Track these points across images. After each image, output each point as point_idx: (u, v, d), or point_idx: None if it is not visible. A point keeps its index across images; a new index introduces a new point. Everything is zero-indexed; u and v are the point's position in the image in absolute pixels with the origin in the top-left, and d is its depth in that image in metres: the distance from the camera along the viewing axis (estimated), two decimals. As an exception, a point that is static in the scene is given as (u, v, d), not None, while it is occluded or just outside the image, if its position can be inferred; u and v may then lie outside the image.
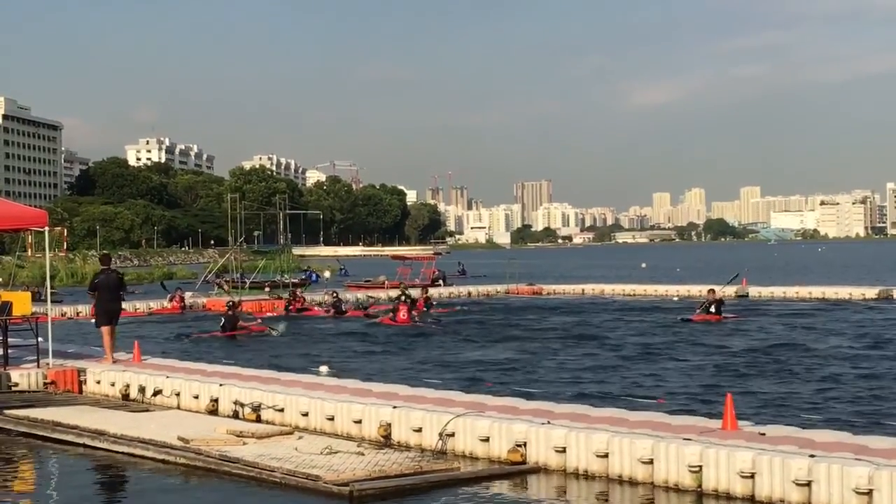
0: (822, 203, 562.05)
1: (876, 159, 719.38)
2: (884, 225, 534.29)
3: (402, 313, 35.66)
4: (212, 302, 46.62)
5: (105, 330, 21.41)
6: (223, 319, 33.48)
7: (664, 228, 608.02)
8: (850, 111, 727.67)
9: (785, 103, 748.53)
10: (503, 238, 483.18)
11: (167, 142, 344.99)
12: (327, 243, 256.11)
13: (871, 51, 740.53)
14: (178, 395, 18.22)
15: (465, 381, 20.69)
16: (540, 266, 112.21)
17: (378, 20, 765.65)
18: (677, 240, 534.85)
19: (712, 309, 34.64)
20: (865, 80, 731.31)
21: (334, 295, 44.02)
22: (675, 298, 47.81)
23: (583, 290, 54.32)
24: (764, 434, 12.44)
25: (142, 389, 18.90)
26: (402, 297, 38.68)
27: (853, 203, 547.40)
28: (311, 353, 27.39)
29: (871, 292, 45.24)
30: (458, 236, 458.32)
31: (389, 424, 14.61)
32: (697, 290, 50.40)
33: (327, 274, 76.88)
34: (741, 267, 66.67)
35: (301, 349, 28.78)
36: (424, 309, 39.15)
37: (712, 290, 36.81)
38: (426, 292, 43.08)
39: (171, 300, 45.51)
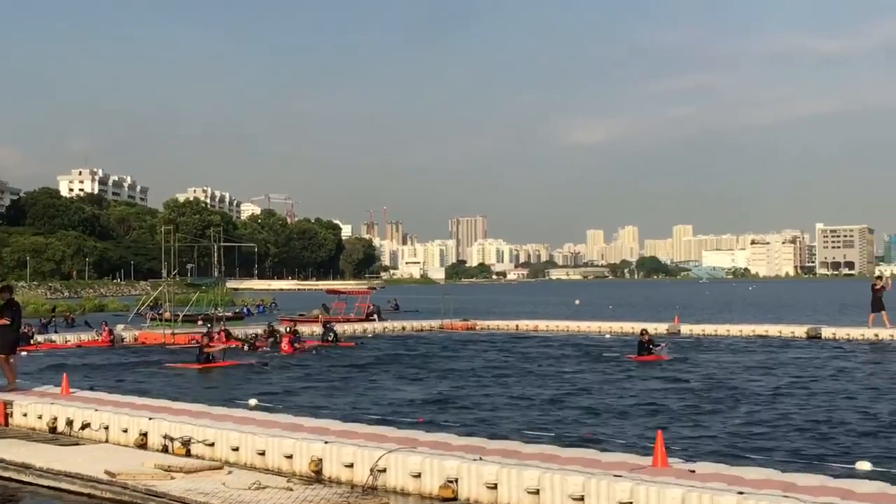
0: (753, 242, 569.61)
1: (805, 200, 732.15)
2: (813, 264, 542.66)
3: (285, 344, 38.67)
4: (144, 335, 46.20)
5: (2, 358, 21.47)
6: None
7: (598, 265, 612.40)
8: (781, 152, 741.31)
9: (717, 143, 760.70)
10: (438, 273, 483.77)
11: (101, 173, 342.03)
12: (261, 277, 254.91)
13: (801, 94, 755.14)
14: (106, 428, 17.95)
15: (398, 416, 20.62)
16: (474, 301, 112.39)
17: (314, 54, 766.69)
18: (610, 277, 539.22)
19: (649, 348, 34.75)
20: (795, 123, 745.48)
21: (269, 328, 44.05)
22: (608, 335, 48.06)
23: (517, 325, 54.46)
24: (693, 471, 12.51)
25: (70, 422, 18.61)
26: (286, 329, 42.27)
27: (783, 242, 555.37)
28: (242, 385, 27.18)
29: (800, 330, 45.81)
30: (392, 271, 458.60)
31: (321, 460, 14.51)
32: (630, 326, 50.84)
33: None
34: (673, 305, 67.28)
35: (232, 382, 28.53)
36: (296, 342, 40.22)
37: (645, 331, 36.94)
38: (294, 326, 44.90)
39: (99, 333, 45.08)
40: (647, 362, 33.57)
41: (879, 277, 47.16)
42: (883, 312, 43.98)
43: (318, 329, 46.36)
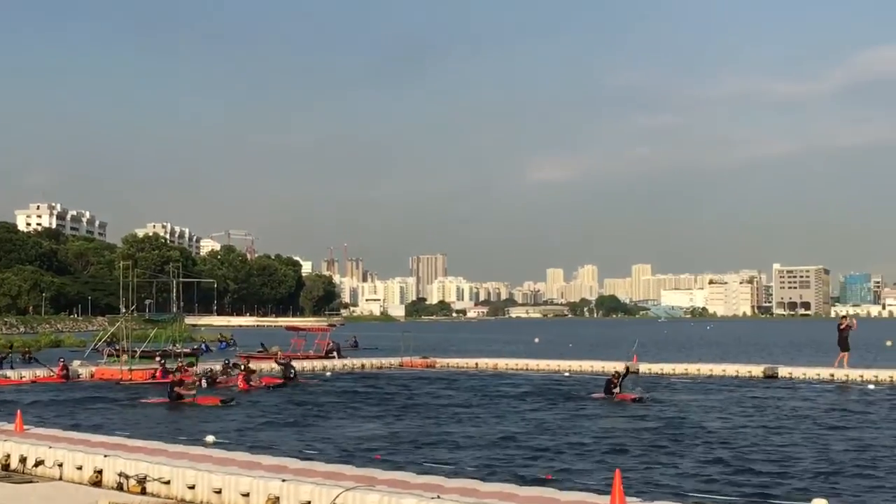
0: (711, 282, 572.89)
1: (763, 241, 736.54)
2: (769, 304, 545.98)
3: (240, 381, 39.49)
4: (101, 371, 45.85)
5: None
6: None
7: (557, 304, 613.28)
8: (739, 193, 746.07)
9: (677, 184, 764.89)
10: (398, 311, 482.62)
11: (59, 207, 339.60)
12: (220, 313, 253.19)
13: (760, 136, 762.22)
14: (60, 465, 17.76)
15: (356, 453, 20.54)
16: (434, 339, 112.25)
17: (275, 90, 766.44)
18: (570, 315, 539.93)
19: (617, 389, 34.32)
20: (753, 164, 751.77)
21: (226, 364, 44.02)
22: (567, 374, 48.13)
23: (476, 363, 54.43)
24: (651, 509, 12.56)
25: (23, 460, 18.40)
26: (241, 366, 42.63)
27: (741, 282, 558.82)
28: (199, 422, 26.99)
29: (757, 370, 46.09)
30: (352, 308, 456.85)
31: (278, 498, 14.43)
32: (589, 365, 51.02)
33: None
34: (632, 343, 67.53)
35: (190, 419, 28.33)
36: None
37: (617, 373, 36.02)
38: (248, 362, 45.70)
39: (52, 370, 44.76)
40: (611, 401, 33.44)
41: (845, 317, 47.43)
42: (845, 353, 44.18)
43: (276, 366, 46.17)
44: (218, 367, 44.14)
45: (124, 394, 36.58)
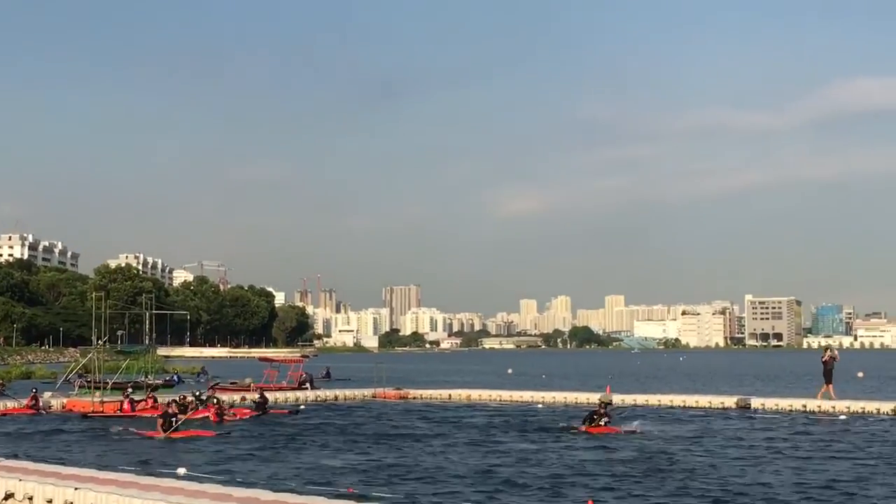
0: (684, 313, 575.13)
1: (735, 272, 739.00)
2: (742, 335, 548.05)
3: (211, 414, 38.94)
4: (72, 402, 45.60)
5: None
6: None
7: (531, 335, 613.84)
8: (711, 225, 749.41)
9: (648, 215, 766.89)
10: (371, 342, 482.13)
11: (30, 238, 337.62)
12: (193, 344, 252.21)
13: (727, 167, 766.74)
14: (30, 499, 17.64)
15: (329, 486, 20.49)
16: (407, 370, 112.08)
17: (249, 121, 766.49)
18: (543, 346, 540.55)
19: (602, 421, 33.86)
20: (723, 195, 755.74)
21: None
22: (540, 405, 48.15)
23: (450, 395, 54.38)
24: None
25: (-8, 493, 18.27)
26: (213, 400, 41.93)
27: (713, 314, 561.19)
28: (171, 454, 26.86)
29: (729, 401, 46.23)
30: (326, 339, 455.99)
31: (250, 530, 14.38)
32: (563, 396, 51.08)
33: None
34: (605, 374, 67.66)
35: (162, 451, 28.19)
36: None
37: (602, 403, 35.80)
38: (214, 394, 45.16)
39: (20, 402, 44.55)
40: (593, 433, 33.10)
41: (827, 348, 47.31)
42: (830, 385, 44.10)
43: (249, 396, 46.13)
44: (190, 397, 43.97)
45: (97, 425, 36.32)
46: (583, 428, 34.00)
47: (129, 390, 46.57)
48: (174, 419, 33.18)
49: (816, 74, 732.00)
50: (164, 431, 32.49)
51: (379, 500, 17.03)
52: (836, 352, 46.90)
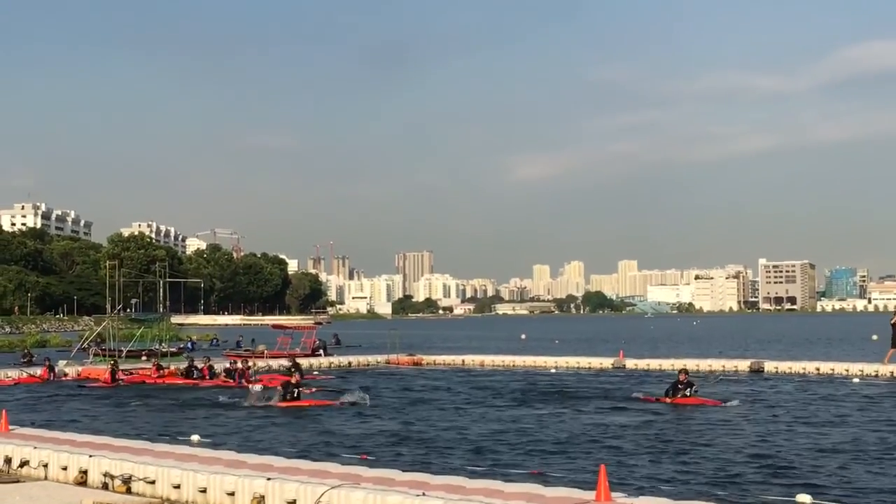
0: (697, 277, 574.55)
1: (749, 236, 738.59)
2: (756, 299, 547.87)
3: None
4: (87, 370, 45.82)
5: None
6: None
7: (544, 300, 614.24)
8: (725, 189, 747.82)
9: (661, 179, 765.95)
10: (384, 308, 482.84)
11: (43, 207, 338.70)
12: (207, 312, 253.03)
13: (741, 131, 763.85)
14: (45, 466, 17.69)
15: (342, 452, 20.51)
16: (420, 336, 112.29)
17: (260, 89, 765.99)
18: (557, 312, 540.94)
19: (687, 392, 31.54)
20: (737, 159, 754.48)
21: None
22: (553, 370, 48.22)
23: (463, 360, 54.50)
24: (636, 505, 12.56)
25: (8, 460, 18.33)
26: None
27: (727, 278, 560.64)
28: (183, 421, 26.94)
29: (743, 365, 46.22)
30: (339, 306, 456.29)
31: (263, 497, 14.39)
32: (575, 361, 51.17)
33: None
34: (618, 339, 67.61)
35: (175, 418, 28.28)
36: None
37: (684, 370, 33.68)
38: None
39: (37, 369, 44.85)
40: (682, 405, 30.77)
41: None
42: None
43: (262, 363, 46.43)
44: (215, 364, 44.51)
45: (113, 393, 36.42)
46: (667, 399, 31.71)
47: (144, 358, 46.81)
48: (297, 389, 32.16)
49: (831, 36, 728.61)
50: (284, 401, 31.38)
51: (391, 466, 17.03)
52: None
